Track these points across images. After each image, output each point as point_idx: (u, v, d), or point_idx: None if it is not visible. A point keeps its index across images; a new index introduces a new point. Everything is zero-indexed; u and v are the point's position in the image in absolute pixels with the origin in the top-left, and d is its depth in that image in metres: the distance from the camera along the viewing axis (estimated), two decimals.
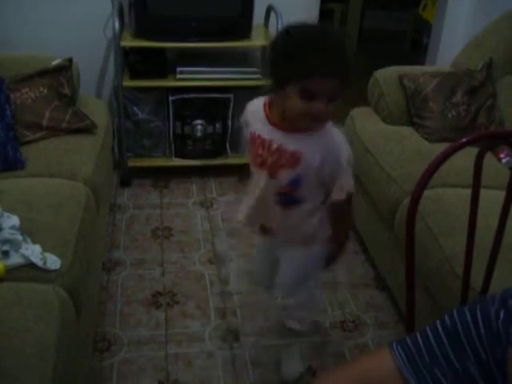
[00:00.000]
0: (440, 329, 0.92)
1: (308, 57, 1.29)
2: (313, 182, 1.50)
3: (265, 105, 1.50)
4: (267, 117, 1.48)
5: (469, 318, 0.91)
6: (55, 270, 1.58)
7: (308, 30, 1.37)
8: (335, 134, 1.47)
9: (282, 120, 1.44)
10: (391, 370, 0.93)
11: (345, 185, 1.52)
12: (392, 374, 0.93)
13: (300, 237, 1.65)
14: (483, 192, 1.31)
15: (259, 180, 1.54)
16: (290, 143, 1.44)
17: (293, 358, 1.98)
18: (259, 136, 1.49)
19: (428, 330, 0.94)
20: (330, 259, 1.71)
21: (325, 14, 4.38)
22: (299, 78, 1.30)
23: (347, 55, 1.36)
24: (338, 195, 1.54)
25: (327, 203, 1.59)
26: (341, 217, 1.64)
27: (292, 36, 1.35)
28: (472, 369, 0.87)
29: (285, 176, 1.48)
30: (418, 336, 0.94)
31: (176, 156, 3.13)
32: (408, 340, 0.94)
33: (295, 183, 1.49)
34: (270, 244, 1.77)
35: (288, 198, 1.54)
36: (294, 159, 1.45)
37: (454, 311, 0.93)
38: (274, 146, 1.46)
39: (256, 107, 1.53)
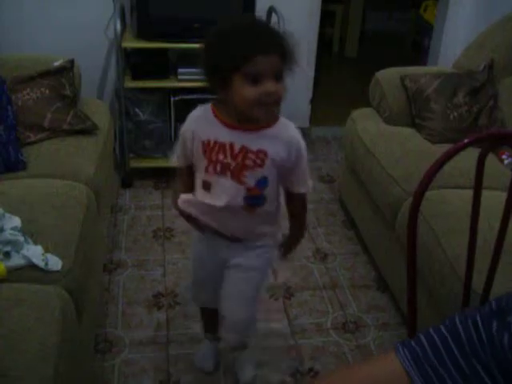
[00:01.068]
0: (444, 331, 0.92)
1: (240, 42, 1.29)
2: (277, 176, 1.47)
3: (213, 110, 1.45)
4: (221, 120, 1.43)
5: (470, 323, 0.90)
6: (57, 271, 1.58)
7: (228, 23, 1.36)
8: (292, 127, 1.47)
9: (237, 120, 1.41)
10: (397, 372, 0.92)
11: (305, 176, 1.51)
12: (398, 377, 0.92)
13: (258, 237, 1.60)
14: (485, 193, 1.30)
15: (222, 188, 1.46)
16: (253, 142, 1.41)
17: (245, 365, 1.95)
18: (216, 141, 1.43)
19: (433, 332, 0.94)
20: (288, 249, 1.70)
21: (326, 15, 4.39)
22: (240, 65, 1.28)
23: (280, 33, 1.35)
24: (302, 188, 1.52)
25: (284, 197, 1.57)
26: (304, 209, 1.62)
27: (217, 37, 1.36)
28: (480, 371, 0.87)
29: (251, 177, 1.44)
30: (423, 338, 0.94)
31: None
32: (413, 342, 0.93)
33: (263, 183, 1.45)
34: (216, 246, 1.64)
35: (254, 199, 1.48)
36: (260, 158, 1.42)
37: (456, 315, 0.93)
38: (237, 148, 1.41)
39: (202, 115, 1.48)
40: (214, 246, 1.63)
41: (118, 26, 2.74)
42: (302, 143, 1.47)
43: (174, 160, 1.58)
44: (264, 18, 3.11)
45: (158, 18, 2.80)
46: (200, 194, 1.51)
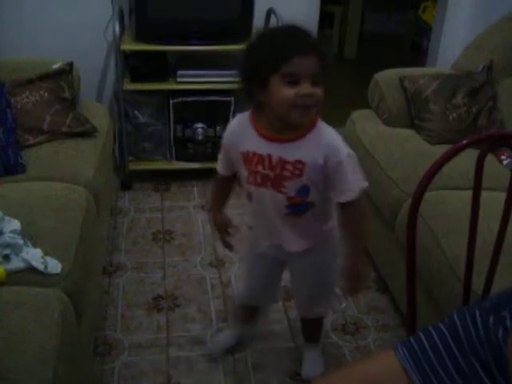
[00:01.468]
0: (443, 328, 0.92)
1: (279, 43, 1.32)
2: (320, 183, 1.45)
3: (252, 120, 1.46)
4: (258, 131, 1.43)
5: (468, 318, 0.90)
6: (56, 274, 1.58)
7: (269, 29, 1.42)
8: (330, 133, 1.47)
9: (275, 128, 1.41)
10: (396, 371, 0.92)
11: (348, 184, 1.43)
12: (397, 376, 0.92)
13: (313, 241, 1.61)
14: (484, 194, 1.30)
15: (263, 199, 1.50)
16: (290, 153, 1.41)
17: (314, 357, 1.99)
18: (254, 153, 1.44)
19: (432, 330, 0.94)
20: (350, 278, 1.56)
21: (325, 16, 4.38)
22: (279, 66, 1.29)
23: (317, 39, 1.38)
24: (342, 197, 1.44)
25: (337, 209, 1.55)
26: (353, 222, 1.50)
27: (258, 39, 1.39)
28: (478, 369, 0.87)
29: (291, 187, 1.45)
30: (422, 337, 0.94)
31: (177, 159, 3.13)
32: (412, 340, 0.93)
33: (303, 191, 1.46)
34: (273, 257, 1.70)
35: (298, 207, 1.50)
36: (298, 168, 1.42)
37: (454, 313, 0.93)
38: (274, 159, 1.42)
39: (241, 125, 1.49)
40: (272, 253, 1.68)
41: (117, 29, 2.74)
42: (343, 150, 1.43)
43: (218, 169, 1.61)
44: (263, 19, 3.12)
45: (157, 21, 2.80)
46: (248, 204, 1.58)
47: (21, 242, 1.59)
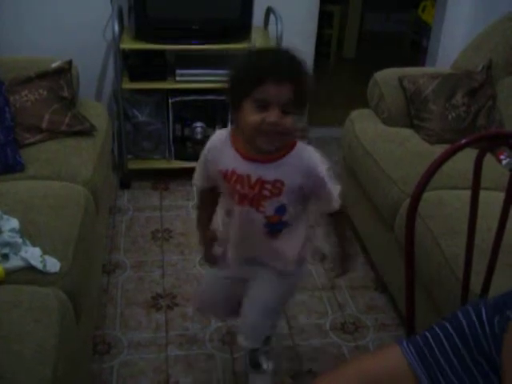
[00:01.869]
0: (448, 325, 0.92)
1: (255, 67, 1.30)
2: (297, 203, 1.48)
3: (232, 138, 1.45)
4: (238, 150, 1.42)
5: (473, 316, 0.91)
6: (55, 273, 1.58)
7: (261, 49, 1.39)
8: (309, 152, 1.46)
9: (250, 149, 1.40)
10: (402, 367, 0.92)
11: (331, 196, 1.48)
12: (403, 372, 0.92)
13: (284, 261, 1.59)
14: (483, 194, 1.31)
15: (242, 216, 1.48)
16: (269, 173, 1.41)
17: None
18: (234, 172, 1.43)
19: (436, 327, 0.94)
20: (340, 268, 1.66)
21: (324, 15, 4.39)
22: (251, 89, 1.28)
23: (300, 67, 1.33)
24: (327, 208, 1.51)
25: (319, 219, 1.59)
26: (339, 227, 1.62)
27: (241, 59, 1.38)
28: (484, 365, 0.87)
29: (269, 206, 1.44)
30: (428, 334, 0.94)
31: (176, 158, 3.13)
32: (418, 338, 0.94)
33: (281, 210, 1.46)
34: (236, 274, 1.66)
35: (275, 225, 1.50)
36: (277, 188, 1.42)
37: (459, 311, 0.93)
38: (253, 179, 1.41)
39: (222, 141, 1.47)
40: (239, 272, 1.64)
41: (116, 28, 2.74)
42: (321, 168, 1.45)
43: (196, 182, 1.58)
44: (262, 19, 3.12)
45: (156, 20, 2.80)
46: (224, 221, 1.55)
47: (19, 240, 1.59)
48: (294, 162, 1.42)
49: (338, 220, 1.59)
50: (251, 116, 1.30)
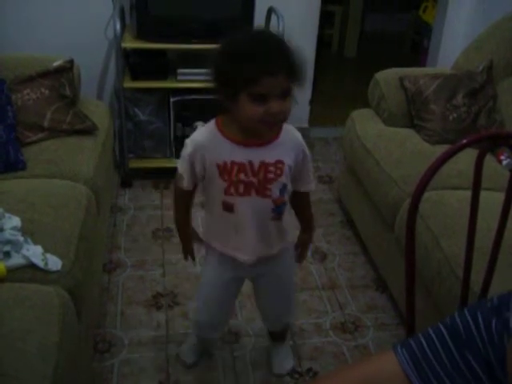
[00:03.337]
0: (443, 330, 0.92)
1: (248, 62, 1.27)
2: (289, 181, 1.51)
3: (221, 129, 1.43)
4: (232, 140, 1.41)
5: (469, 319, 0.91)
6: (56, 271, 1.58)
7: (240, 38, 1.34)
8: (293, 130, 1.50)
9: (248, 135, 1.40)
10: (396, 373, 0.92)
11: (311, 175, 1.56)
12: (397, 378, 0.92)
13: (288, 243, 1.66)
14: (483, 194, 1.31)
15: (247, 208, 1.47)
16: (270, 155, 1.43)
17: (283, 353, 2.01)
18: (233, 162, 1.41)
19: (431, 331, 0.94)
20: (305, 247, 1.75)
21: (325, 15, 4.39)
22: (248, 85, 1.27)
23: (287, 48, 1.33)
24: (307, 187, 1.58)
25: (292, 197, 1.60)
26: (309, 205, 1.68)
27: (227, 49, 1.35)
28: (476, 367, 0.87)
29: (275, 188, 1.46)
30: (422, 338, 0.94)
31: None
32: (412, 342, 0.93)
33: (284, 190, 1.48)
34: (234, 277, 1.69)
35: (280, 207, 1.51)
36: (279, 168, 1.44)
37: (455, 313, 0.93)
38: (256, 165, 1.42)
39: (208, 137, 1.44)
40: (236, 267, 1.63)
41: (118, 27, 2.74)
42: (305, 145, 1.52)
43: (180, 184, 1.53)
44: (263, 18, 3.12)
45: (158, 19, 2.81)
46: (222, 217, 1.51)
47: (21, 238, 1.59)
48: (287, 140, 1.46)
49: (308, 201, 1.65)
50: (252, 109, 1.30)
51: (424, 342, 0.92)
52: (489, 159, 1.35)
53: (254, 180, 1.43)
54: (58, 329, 1.40)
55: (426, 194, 1.26)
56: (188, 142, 1.46)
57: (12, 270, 1.54)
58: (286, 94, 1.32)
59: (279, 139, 1.44)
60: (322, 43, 4.46)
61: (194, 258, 1.77)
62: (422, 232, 1.90)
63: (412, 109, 2.56)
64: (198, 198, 1.62)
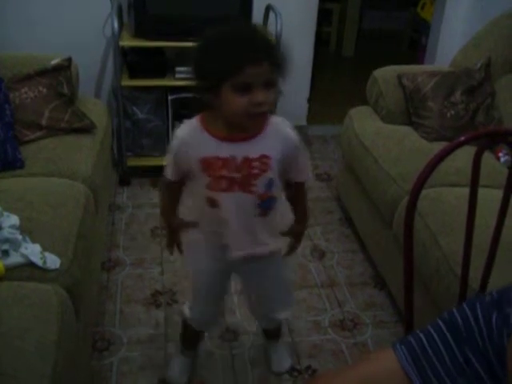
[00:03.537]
0: (442, 326, 0.92)
1: (229, 52, 1.26)
2: (279, 175, 1.47)
3: (204, 125, 1.41)
4: (215, 135, 1.39)
5: (468, 312, 0.91)
6: (55, 270, 1.58)
7: (218, 32, 1.32)
8: (283, 123, 1.46)
9: (232, 130, 1.37)
10: (395, 370, 0.92)
11: (305, 166, 1.53)
12: (397, 376, 0.92)
13: (278, 243, 1.63)
14: (481, 191, 1.31)
15: (231, 203, 1.45)
16: (254, 149, 1.39)
17: (280, 352, 2.01)
18: (217, 158, 1.39)
19: (430, 328, 0.94)
20: (297, 239, 1.70)
21: (323, 13, 4.39)
22: (230, 76, 1.25)
23: (269, 38, 1.33)
24: (301, 177, 1.55)
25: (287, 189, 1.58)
26: (305, 196, 1.64)
27: (208, 41, 1.33)
28: (475, 363, 0.87)
29: (260, 184, 1.43)
30: (422, 335, 0.94)
31: None
32: (411, 339, 0.93)
33: (270, 185, 1.45)
34: (223, 270, 1.67)
35: (266, 203, 1.48)
36: (264, 164, 1.41)
37: (454, 308, 0.93)
38: (239, 160, 1.39)
39: (191, 133, 1.43)
40: (222, 260, 1.60)
41: (116, 25, 2.74)
42: (296, 136, 1.46)
43: (168, 175, 1.53)
44: (262, 16, 3.12)
45: (156, 17, 2.80)
46: (207, 212, 1.49)
47: (19, 237, 1.59)
48: (273, 133, 1.41)
49: (304, 192, 1.62)
50: (235, 100, 1.27)
51: (423, 339, 0.92)
52: (487, 156, 1.35)
53: (237, 176, 1.40)
54: (56, 327, 1.40)
55: (424, 192, 1.27)
56: (175, 134, 1.47)
57: (10, 269, 1.53)
58: (269, 85, 1.29)
59: (264, 132, 1.40)
60: (320, 41, 4.46)
61: (181, 251, 1.72)
62: (420, 229, 1.90)
63: (410, 106, 2.56)
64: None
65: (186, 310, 1.80)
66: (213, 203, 1.46)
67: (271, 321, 1.88)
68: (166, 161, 1.52)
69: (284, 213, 1.61)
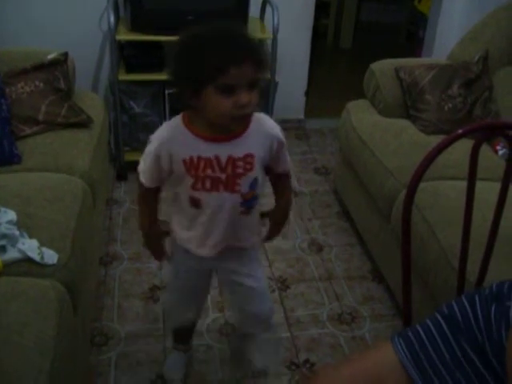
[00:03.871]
0: (441, 319, 0.93)
1: (212, 54, 1.23)
2: (263, 173, 1.47)
3: (187, 125, 1.38)
4: (198, 135, 1.36)
5: (467, 306, 0.91)
6: (52, 265, 1.58)
7: (199, 33, 1.30)
8: (266, 119, 1.45)
9: (215, 130, 1.35)
10: (394, 364, 0.92)
11: (286, 157, 1.53)
12: (395, 369, 0.92)
13: (257, 239, 1.62)
14: (479, 184, 1.31)
15: (215, 203, 1.43)
16: (238, 149, 1.38)
17: (260, 351, 1.94)
18: (200, 158, 1.36)
19: (428, 321, 0.94)
20: (276, 228, 1.68)
21: (321, 6, 4.37)
22: (214, 76, 1.22)
23: (251, 38, 1.31)
24: (282, 168, 1.54)
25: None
26: (290, 185, 1.65)
27: (188, 43, 1.30)
28: (474, 359, 0.87)
29: (244, 183, 1.41)
30: (420, 329, 0.94)
31: None
32: (409, 333, 0.94)
33: (254, 185, 1.44)
34: (203, 270, 1.66)
35: (249, 202, 1.46)
36: (248, 162, 1.39)
37: (453, 301, 0.94)
38: (223, 160, 1.37)
39: (173, 133, 1.40)
40: (201, 260, 1.58)
41: (112, 19, 2.72)
42: (279, 131, 1.46)
43: (145, 181, 1.48)
44: (258, 9, 3.11)
45: (152, 11, 2.79)
46: (189, 212, 1.48)
47: (17, 232, 1.59)
48: (257, 131, 1.40)
49: (287, 184, 1.63)
50: (219, 102, 1.25)
51: (421, 332, 0.93)
52: (485, 149, 1.35)
53: (222, 175, 1.39)
54: (54, 322, 1.40)
55: (422, 185, 1.27)
56: (153, 137, 1.42)
57: (8, 264, 1.53)
58: (253, 86, 1.27)
59: (248, 131, 1.39)
60: (318, 34, 4.45)
61: (164, 257, 1.68)
62: (417, 223, 1.90)
63: (407, 99, 2.56)
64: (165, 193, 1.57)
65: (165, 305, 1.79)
66: (196, 203, 1.44)
67: (257, 326, 1.79)
68: (141, 168, 1.47)
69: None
